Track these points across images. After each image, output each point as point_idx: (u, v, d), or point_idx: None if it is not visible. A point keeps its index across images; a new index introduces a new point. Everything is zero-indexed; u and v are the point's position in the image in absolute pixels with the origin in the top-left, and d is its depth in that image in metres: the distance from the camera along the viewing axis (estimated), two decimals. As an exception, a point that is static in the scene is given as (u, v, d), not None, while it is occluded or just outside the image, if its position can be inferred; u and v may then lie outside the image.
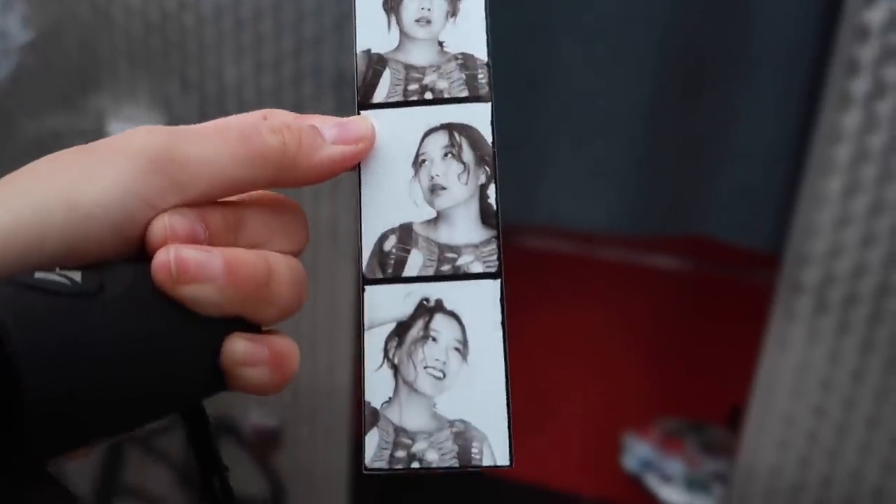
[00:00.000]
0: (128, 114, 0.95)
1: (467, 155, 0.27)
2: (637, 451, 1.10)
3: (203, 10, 0.88)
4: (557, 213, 0.87)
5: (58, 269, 0.21)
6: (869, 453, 0.77)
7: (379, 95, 0.28)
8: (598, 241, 1.22)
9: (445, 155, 0.27)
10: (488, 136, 0.27)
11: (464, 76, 0.27)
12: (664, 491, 1.03)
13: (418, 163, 0.27)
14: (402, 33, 0.28)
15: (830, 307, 0.74)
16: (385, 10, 0.28)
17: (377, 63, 0.28)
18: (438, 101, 0.27)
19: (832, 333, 0.75)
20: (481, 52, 0.28)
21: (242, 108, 0.90)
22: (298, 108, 0.95)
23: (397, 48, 0.28)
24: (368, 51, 0.28)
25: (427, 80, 0.28)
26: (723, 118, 0.80)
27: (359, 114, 0.28)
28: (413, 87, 0.28)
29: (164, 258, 0.22)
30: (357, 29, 0.28)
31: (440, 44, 0.28)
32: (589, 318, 1.31)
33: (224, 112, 0.91)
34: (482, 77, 0.27)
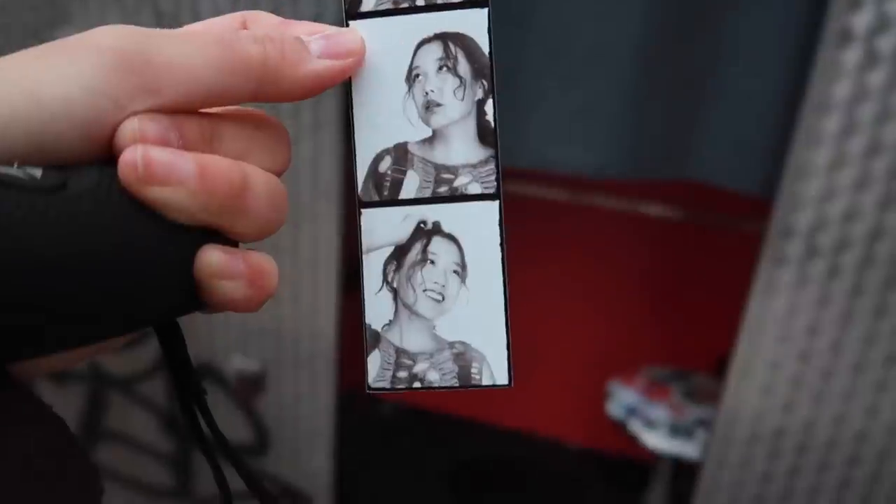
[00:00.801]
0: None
1: (463, 68, 0.26)
2: (622, 398, 1.10)
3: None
4: (544, 157, 0.84)
5: (16, 164, 0.19)
6: (853, 398, 0.77)
7: (368, 3, 0.26)
8: (585, 187, 1.20)
9: (440, 68, 0.26)
10: (485, 45, 0.26)
11: None
12: (648, 437, 1.03)
13: (412, 77, 0.26)
14: None
15: (821, 251, 0.73)
16: None
17: None
18: (431, 7, 0.25)
19: (822, 278, 0.73)
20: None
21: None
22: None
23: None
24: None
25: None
26: (716, 58, 0.77)
27: (347, 25, 0.26)
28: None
29: (131, 157, 0.21)
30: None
31: None
32: (576, 265, 1.29)
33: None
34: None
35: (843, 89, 0.68)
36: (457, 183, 0.26)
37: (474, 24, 0.25)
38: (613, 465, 1.32)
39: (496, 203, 0.26)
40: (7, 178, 0.19)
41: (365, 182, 0.27)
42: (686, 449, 1.01)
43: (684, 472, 1.04)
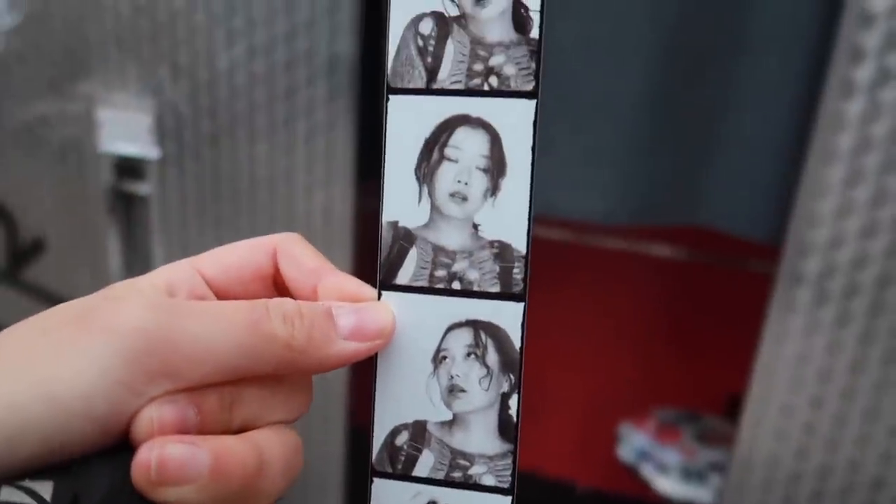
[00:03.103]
0: (117, 100, 0.94)
1: (492, 358, 0.25)
2: (633, 441, 1.10)
3: (193, -7, 0.86)
4: (554, 203, 0.86)
5: (27, 480, 0.19)
6: (867, 444, 0.77)
7: (403, 276, 0.25)
8: (592, 228, 1.21)
9: (468, 355, 0.25)
10: (517, 339, 0.25)
11: (497, 268, 0.25)
12: (660, 481, 1.02)
13: (438, 358, 0.25)
14: (434, 208, 0.25)
15: (830, 298, 0.73)
16: (417, 177, 0.25)
17: (404, 239, 0.25)
18: (467, 293, 0.25)
19: (832, 324, 0.74)
20: (520, 243, 0.25)
21: (234, 93, 0.89)
22: (291, 92, 0.93)
23: (427, 224, 0.25)
24: (396, 223, 0.25)
25: (457, 266, 0.25)
26: (722, 106, 0.79)
27: (380, 294, 0.26)
28: (440, 272, 0.25)
29: (146, 458, 0.20)
30: (384, 195, 0.25)
31: (475, 226, 0.25)
32: (585, 306, 1.30)
33: (215, 98, 0.89)
34: (518, 272, 0.25)
35: (847, 139, 0.69)
36: (472, 471, 0.26)
37: (510, 316, 0.25)
38: (625, 508, 1.31)
39: (508, 499, 0.26)
40: None
41: (380, 452, 0.26)
42: (699, 493, 1.00)
43: (697, 517, 1.03)
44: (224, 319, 0.22)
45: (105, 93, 0.94)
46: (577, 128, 0.83)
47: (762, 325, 0.77)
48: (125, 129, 0.94)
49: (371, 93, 0.86)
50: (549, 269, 1.22)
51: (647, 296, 1.29)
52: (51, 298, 1.04)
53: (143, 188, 0.96)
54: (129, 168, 0.96)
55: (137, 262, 1.01)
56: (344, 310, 0.25)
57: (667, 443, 1.07)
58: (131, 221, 1.00)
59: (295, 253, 0.26)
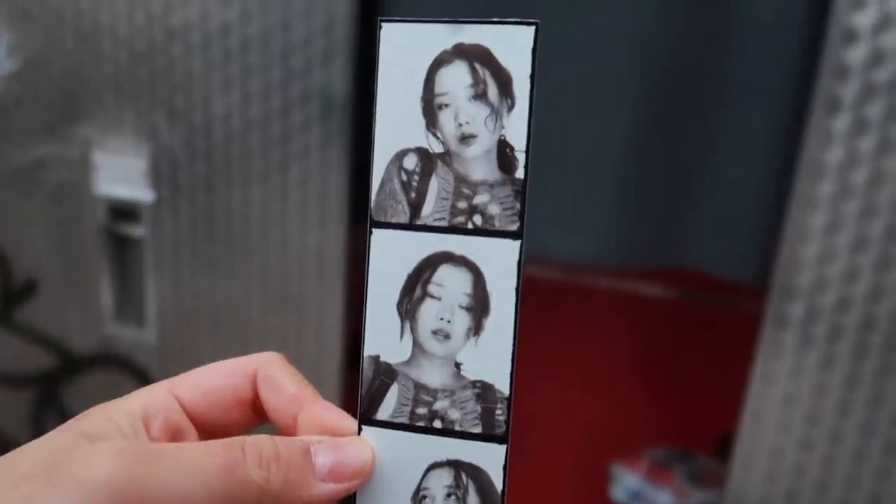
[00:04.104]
0: (114, 144, 0.95)
1: (473, 500, 0.25)
2: (626, 482, 1.10)
3: (191, 40, 0.88)
4: (545, 246, 0.87)
5: None
6: (856, 486, 0.77)
7: (384, 412, 0.25)
8: (583, 268, 1.23)
9: (448, 496, 0.25)
10: (499, 482, 0.24)
11: (479, 409, 0.24)
12: (652, 522, 1.02)
13: (418, 498, 0.25)
14: (416, 345, 0.25)
15: (815, 341, 0.75)
16: (399, 313, 0.25)
17: (385, 374, 0.25)
18: (448, 432, 0.25)
19: (817, 367, 0.75)
20: (503, 384, 0.24)
21: (229, 138, 0.90)
22: (286, 137, 0.94)
23: (409, 361, 0.25)
24: (377, 357, 0.25)
25: (438, 405, 0.25)
26: (706, 153, 0.81)
27: (360, 429, 0.25)
28: (421, 410, 0.25)
29: None
30: (366, 329, 0.25)
31: (457, 365, 0.25)
32: (577, 345, 1.31)
33: (211, 143, 0.91)
34: (500, 414, 0.24)
35: (827, 187, 0.71)
36: None
37: (491, 458, 0.25)
38: (618, 549, 1.30)
39: None
40: None
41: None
42: (691, 535, 1.00)
43: (690, 559, 1.02)
44: (198, 466, 0.22)
45: (101, 137, 0.95)
46: (568, 174, 0.84)
47: (750, 367, 0.78)
48: (121, 173, 0.95)
49: (365, 136, 0.87)
50: (540, 308, 1.23)
51: (638, 334, 1.30)
52: (42, 339, 1.04)
53: (137, 230, 0.97)
54: (123, 211, 0.97)
55: (129, 305, 1.01)
56: (323, 446, 0.24)
57: (659, 483, 1.07)
58: (124, 264, 1.00)
59: (276, 378, 0.26)
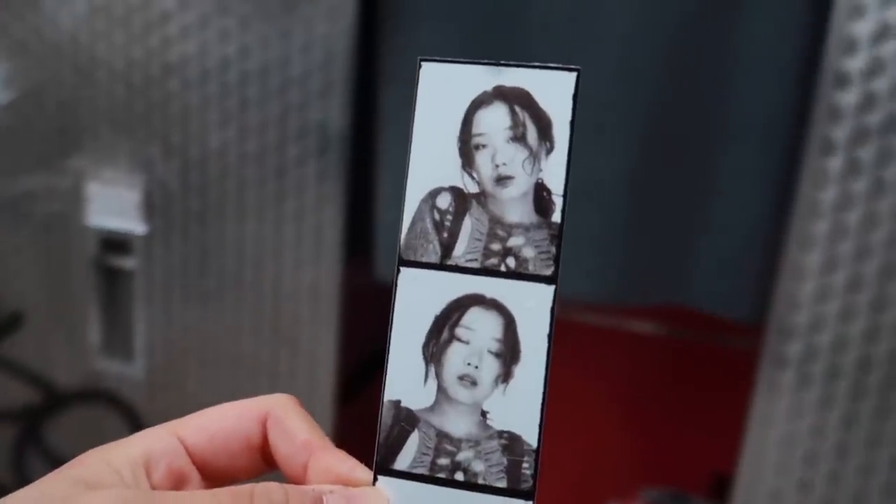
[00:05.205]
0: (107, 176, 0.94)
1: None
2: (620, 523, 1.08)
3: (188, 74, 0.89)
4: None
5: None
6: (855, 530, 0.76)
7: (402, 462, 0.24)
8: (576, 305, 1.22)
9: None
10: None
11: (505, 461, 0.23)
12: (648, 565, 1.00)
13: None
14: (441, 390, 0.24)
15: (813, 381, 0.74)
16: (424, 356, 0.24)
17: (406, 420, 0.24)
18: (471, 486, 0.23)
19: (816, 407, 0.75)
20: (532, 436, 0.24)
21: (225, 172, 0.90)
22: (282, 171, 0.94)
23: (432, 408, 0.24)
24: (398, 402, 0.24)
25: (461, 456, 0.23)
26: (701, 191, 0.82)
27: (375, 479, 0.24)
28: (443, 461, 0.23)
29: None
30: (388, 372, 0.24)
31: (484, 414, 0.24)
32: (568, 383, 1.30)
33: (205, 176, 0.90)
34: (528, 467, 0.23)
35: (823, 226, 0.72)
36: None
37: None
38: (611, 593, 1.27)
39: None
40: None
41: None
42: (687, 578, 0.98)
43: None
44: None
45: (95, 168, 0.94)
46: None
47: (747, 406, 0.77)
48: (113, 204, 0.94)
49: (362, 172, 0.87)
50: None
51: (632, 372, 1.29)
52: (26, 374, 1.02)
53: (128, 263, 0.96)
54: (115, 243, 0.96)
55: (117, 339, 0.99)
56: (336, 496, 0.23)
57: (654, 525, 1.05)
58: (113, 297, 0.99)
59: (286, 422, 0.25)
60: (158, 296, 0.95)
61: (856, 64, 0.68)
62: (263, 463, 0.25)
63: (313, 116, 0.86)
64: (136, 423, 0.99)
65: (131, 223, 0.94)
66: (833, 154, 0.70)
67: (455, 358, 0.24)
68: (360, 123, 0.86)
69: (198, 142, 0.90)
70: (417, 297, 0.24)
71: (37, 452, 1.03)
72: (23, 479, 1.03)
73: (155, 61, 0.89)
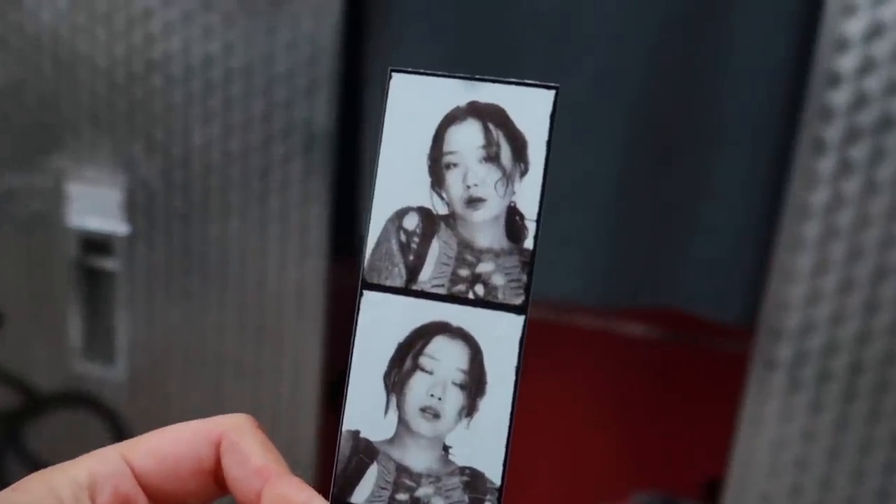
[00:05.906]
0: (89, 175, 0.93)
1: None
2: (609, 528, 1.07)
3: (171, 71, 0.87)
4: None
5: None
6: (846, 535, 0.75)
7: (359, 495, 0.23)
8: (566, 307, 1.21)
9: None
10: None
11: (467, 499, 0.22)
12: (637, 571, 0.99)
13: None
14: (402, 422, 0.23)
15: (804, 384, 0.73)
16: (386, 385, 0.23)
17: (364, 452, 0.23)
18: None
19: (806, 411, 0.74)
20: (495, 473, 0.22)
21: (209, 170, 0.88)
22: (267, 170, 0.93)
23: (392, 440, 0.23)
24: (357, 433, 0.23)
25: (421, 491, 0.22)
26: (691, 193, 0.81)
27: None
28: (402, 496, 0.22)
29: None
30: (347, 401, 0.23)
31: (446, 448, 0.23)
32: (558, 386, 1.29)
33: (189, 175, 0.89)
34: None
35: (813, 228, 0.71)
36: None
37: None
38: None
39: None
40: None
41: None
42: (677, 584, 0.97)
43: None
44: None
45: (76, 167, 0.93)
46: (552, 212, 0.84)
47: (737, 409, 0.76)
48: (95, 204, 0.93)
49: (348, 170, 0.86)
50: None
51: (622, 375, 1.28)
52: (5, 376, 1.00)
53: (110, 264, 0.94)
54: (96, 243, 0.94)
55: (98, 340, 0.97)
56: None
57: (643, 529, 1.04)
58: (95, 298, 0.97)
59: (241, 445, 0.23)
60: (141, 297, 0.94)
61: (848, 63, 0.68)
62: (216, 487, 0.24)
63: (299, 114, 0.84)
64: (117, 425, 0.97)
65: (113, 224, 0.92)
66: (825, 154, 0.70)
67: (418, 388, 0.23)
68: (346, 121, 0.85)
69: (181, 140, 0.88)
70: (380, 322, 0.23)
71: (16, 456, 1.01)
72: (2, 483, 1.01)
73: (138, 58, 0.88)
